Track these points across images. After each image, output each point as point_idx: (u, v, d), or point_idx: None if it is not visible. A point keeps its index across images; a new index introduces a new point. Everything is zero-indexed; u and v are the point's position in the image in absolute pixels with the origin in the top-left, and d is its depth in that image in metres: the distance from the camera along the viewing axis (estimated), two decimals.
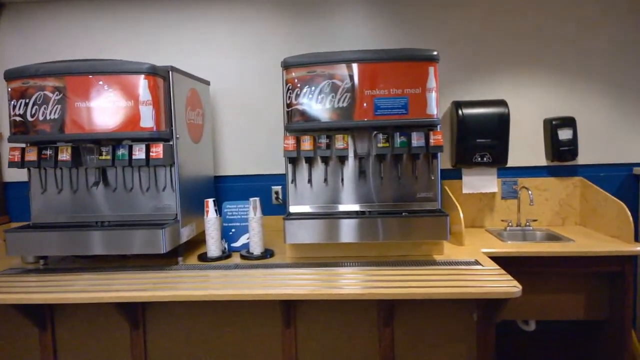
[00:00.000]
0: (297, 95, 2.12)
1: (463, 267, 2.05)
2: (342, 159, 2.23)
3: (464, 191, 2.77)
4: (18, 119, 2.11)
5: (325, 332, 2.14)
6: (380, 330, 2.10)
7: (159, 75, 2.14)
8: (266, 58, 2.88)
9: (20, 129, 2.12)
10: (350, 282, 1.91)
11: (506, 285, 1.80)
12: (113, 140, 2.18)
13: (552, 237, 2.59)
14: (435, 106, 2.09)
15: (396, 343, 2.11)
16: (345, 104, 2.08)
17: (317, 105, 2.10)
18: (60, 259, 2.41)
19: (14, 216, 3.04)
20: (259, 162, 2.97)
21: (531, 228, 2.74)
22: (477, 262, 2.10)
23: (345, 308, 2.11)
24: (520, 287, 1.77)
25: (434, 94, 2.08)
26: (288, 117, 2.17)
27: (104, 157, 2.14)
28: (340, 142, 2.14)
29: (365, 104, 2.07)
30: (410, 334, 2.10)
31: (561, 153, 2.77)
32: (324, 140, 2.15)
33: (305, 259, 2.26)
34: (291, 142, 2.17)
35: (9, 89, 2.12)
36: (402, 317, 2.09)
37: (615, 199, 2.47)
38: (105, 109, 2.08)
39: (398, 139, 2.11)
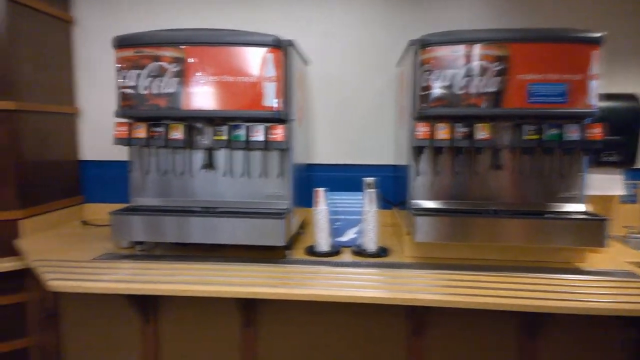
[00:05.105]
0: (437, 78, 1.89)
1: (622, 278, 1.82)
2: (478, 151, 2.01)
3: (588, 192, 2.51)
4: (128, 91, 1.92)
5: (456, 343, 1.93)
6: (522, 344, 1.88)
7: (281, 49, 1.93)
8: (365, 39, 2.66)
9: (130, 102, 1.93)
10: (492, 290, 1.68)
11: None
12: (228, 119, 1.98)
13: None
14: (596, 96, 1.85)
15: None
16: (494, 89, 1.85)
17: (460, 89, 1.88)
18: (153, 245, 2.23)
19: (89, 196, 2.88)
20: (349, 151, 2.76)
21: None
22: (633, 274, 1.87)
23: (478, 317, 1.90)
24: None
25: (595, 82, 1.84)
26: (421, 101, 1.94)
27: (219, 138, 1.95)
28: (482, 131, 1.91)
29: (517, 90, 1.84)
30: (556, 350, 1.88)
31: None
32: (462, 129, 1.92)
33: (427, 259, 2.06)
34: (423, 129, 1.95)
35: (119, 58, 1.93)
36: (548, 331, 1.87)
37: None
38: (225, 85, 1.88)
39: (549, 131, 1.88)
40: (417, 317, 1.88)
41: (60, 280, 1.67)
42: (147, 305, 2.00)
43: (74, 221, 2.70)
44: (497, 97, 1.86)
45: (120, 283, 1.69)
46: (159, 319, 2.03)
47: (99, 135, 2.78)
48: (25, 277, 2.19)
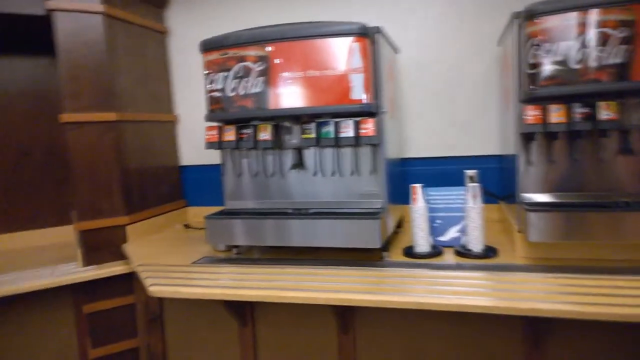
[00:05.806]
0: (547, 53, 1.65)
1: None
2: (602, 134, 1.72)
3: None
4: (216, 94, 1.94)
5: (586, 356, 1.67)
6: None
7: (368, 37, 1.81)
8: (460, 18, 2.44)
9: (219, 105, 1.94)
10: (629, 297, 1.40)
11: None
12: (315, 116, 1.91)
13: None
14: None
15: None
16: (619, 60, 1.57)
17: (576, 63, 1.61)
18: (248, 248, 2.24)
19: (191, 200, 3.00)
20: (447, 143, 2.56)
21: None
22: None
23: (613, 326, 1.62)
24: None
25: None
26: (530, 81, 1.71)
27: (307, 136, 1.89)
28: (606, 110, 1.63)
29: None
30: None
31: None
32: (582, 110, 1.65)
33: (544, 261, 1.80)
34: (533, 113, 1.71)
35: (206, 62, 1.95)
36: None
37: None
38: (311, 80, 1.81)
39: None
40: (536, 326, 1.65)
41: (160, 285, 1.72)
42: (244, 309, 2.00)
43: (177, 224, 2.83)
44: (623, 69, 1.57)
45: (216, 289, 1.68)
46: (256, 323, 2.02)
47: (195, 140, 2.89)
48: (133, 280, 2.33)
